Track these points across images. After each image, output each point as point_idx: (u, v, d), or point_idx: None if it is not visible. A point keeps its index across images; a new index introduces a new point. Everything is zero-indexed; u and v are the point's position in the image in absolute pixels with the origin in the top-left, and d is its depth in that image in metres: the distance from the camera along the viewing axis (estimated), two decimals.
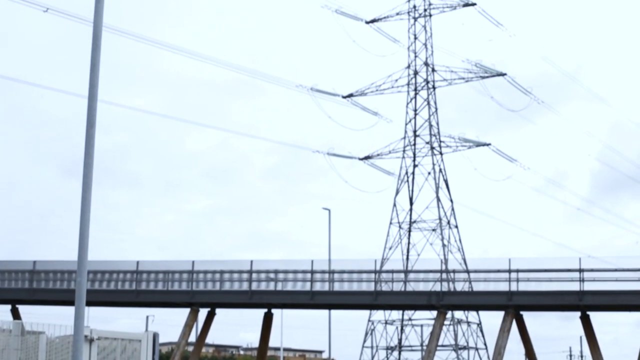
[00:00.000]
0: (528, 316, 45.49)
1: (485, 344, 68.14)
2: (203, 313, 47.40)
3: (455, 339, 68.13)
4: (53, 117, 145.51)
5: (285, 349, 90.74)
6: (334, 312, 58.59)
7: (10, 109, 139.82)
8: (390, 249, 71.38)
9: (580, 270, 41.75)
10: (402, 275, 47.20)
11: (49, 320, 37.95)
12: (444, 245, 69.69)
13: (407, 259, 69.44)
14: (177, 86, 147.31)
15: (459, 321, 68.46)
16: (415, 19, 74.82)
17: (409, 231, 72.07)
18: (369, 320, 70.32)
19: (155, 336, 38.80)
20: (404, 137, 73.80)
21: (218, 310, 47.72)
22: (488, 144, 73.54)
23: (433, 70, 73.73)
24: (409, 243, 71.79)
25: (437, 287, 44.52)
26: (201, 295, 46.63)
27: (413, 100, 73.77)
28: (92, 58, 14.78)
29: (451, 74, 73.42)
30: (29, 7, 49.83)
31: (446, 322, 61.35)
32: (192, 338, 54.01)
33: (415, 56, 74.03)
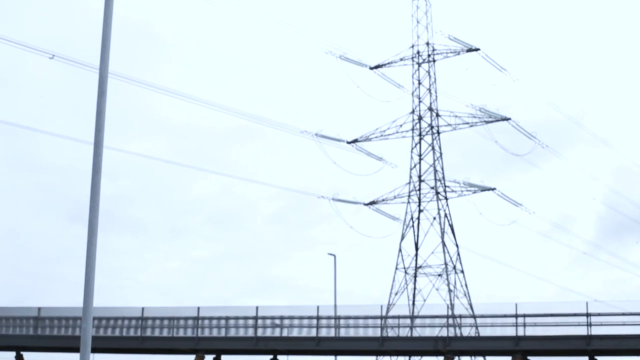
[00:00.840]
0: None
1: None
2: None
3: None
4: (58, 164, 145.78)
5: None
6: (340, 358, 58.23)
7: (16, 156, 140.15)
8: (396, 294, 71.11)
9: (588, 315, 41.55)
10: (408, 321, 46.97)
11: None
12: (450, 291, 69.38)
13: (413, 304, 69.13)
14: (181, 132, 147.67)
15: None
16: (419, 64, 75.16)
17: (415, 276, 71.81)
18: None
19: None
20: (409, 182, 73.82)
21: (223, 357, 47.49)
22: (493, 189, 73.51)
23: (437, 115, 73.92)
24: (414, 288, 71.51)
25: (443, 333, 44.30)
26: (206, 342, 46.45)
27: (418, 146, 73.89)
28: (97, 104, 14.86)
29: (455, 119, 73.61)
30: (35, 54, 50.20)
31: None
32: None
33: (420, 101, 74.29)
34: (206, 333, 46.83)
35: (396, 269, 72.54)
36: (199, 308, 46.84)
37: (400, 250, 72.88)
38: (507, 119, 73.31)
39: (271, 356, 47.22)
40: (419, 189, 73.33)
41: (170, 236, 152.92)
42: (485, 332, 44.91)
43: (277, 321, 45.87)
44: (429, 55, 75.10)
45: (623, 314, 41.67)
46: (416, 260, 72.25)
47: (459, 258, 71.59)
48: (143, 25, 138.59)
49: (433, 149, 73.49)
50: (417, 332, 45.92)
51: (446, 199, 72.82)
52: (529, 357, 43.67)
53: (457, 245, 71.93)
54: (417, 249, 72.59)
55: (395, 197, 74.73)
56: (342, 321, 45.20)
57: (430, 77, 74.92)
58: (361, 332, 45.44)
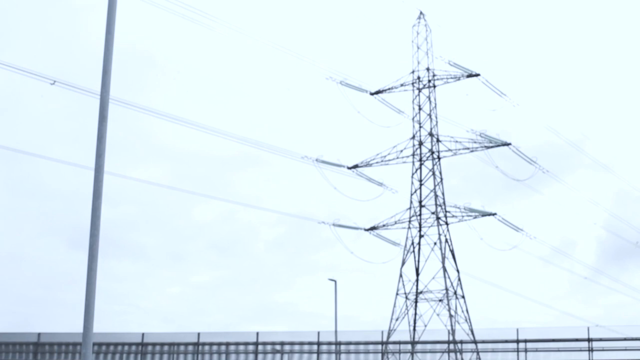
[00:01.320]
0: None
1: None
2: None
3: None
4: (59, 189, 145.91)
5: None
6: None
7: (16, 181, 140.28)
8: (396, 319, 70.88)
9: (589, 340, 41.52)
10: (409, 347, 46.89)
11: None
12: (450, 316, 69.17)
13: (414, 329, 68.92)
14: (183, 158, 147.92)
15: None
16: (419, 90, 75.36)
17: (416, 302, 71.63)
18: None
19: None
20: (410, 208, 73.79)
21: None
22: (494, 214, 73.47)
23: (438, 140, 74.02)
24: (415, 314, 71.29)
25: (444, 358, 44.18)
26: None
27: (418, 171, 73.94)
28: (98, 130, 14.91)
29: (456, 144, 73.69)
30: (36, 80, 50.29)
31: None
32: None
33: (420, 127, 74.41)
34: (206, 359, 46.73)
35: (397, 294, 72.39)
36: (199, 334, 46.79)
37: (401, 275, 72.75)
38: (507, 144, 73.40)
39: None
40: (420, 214, 73.30)
41: (171, 262, 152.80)
42: (486, 357, 44.84)
43: (278, 347, 45.78)
44: (429, 81, 75.30)
45: (625, 339, 41.62)
46: (417, 285, 72.12)
47: (460, 283, 71.47)
48: (143, 51, 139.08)
49: (434, 174, 73.53)
50: (418, 358, 45.83)
51: (447, 224, 72.78)
52: None
53: (458, 271, 71.82)
54: (417, 274, 72.47)
55: (395, 223, 74.69)
56: (342, 347, 45.14)
57: (430, 102, 75.08)
58: (362, 358, 45.38)
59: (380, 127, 75.74)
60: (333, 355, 45.28)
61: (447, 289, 70.62)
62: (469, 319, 69.82)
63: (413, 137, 74.70)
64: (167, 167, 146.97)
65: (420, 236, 73.05)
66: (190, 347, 46.49)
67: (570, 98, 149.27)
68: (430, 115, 74.69)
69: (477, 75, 74.25)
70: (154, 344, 47.48)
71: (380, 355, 44.80)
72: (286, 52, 76.56)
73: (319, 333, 45.38)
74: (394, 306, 72.13)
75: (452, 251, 72.30)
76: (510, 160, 74.81)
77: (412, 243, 73.20)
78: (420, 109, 75.07)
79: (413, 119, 75.16)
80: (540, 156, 77.97)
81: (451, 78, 74.97)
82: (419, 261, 72.79)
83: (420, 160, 74.08)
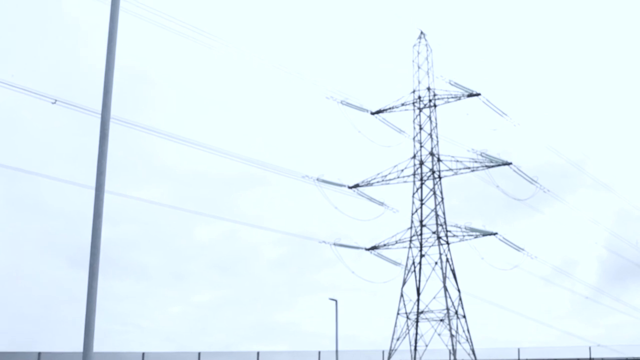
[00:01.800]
0: None
1: None
2: None
3: None
4: (60, 208, 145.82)
5: None
6: None
7: (17, 200, 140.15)
8: (397, 339, 70.76)
9: None
10: None
11: None
12: (452, 336, 69.05)
13: (415, 349, 68.79)
14: (184, 177, 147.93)
15: None
16: (420, 109, 75.46)
17: (417, 321, 71.50)
18: None
19: None
20: (411, 227, 73.77)
21: None
22: (495, 233, 73.43)
23: (439, 160, 74.08)
24: (416, 334, 71.17)
25: None
26: None
27: (419, 190, 73.95)
28: (99, 149, 14.93)
29: (457, 164, 73.74)
30: (38, 99, 50.39)
31: None
32: None
33: (421, 146, 74.47)
34: None
35: (398, 314, 72.28)
36: (199, 353, 46.71)
37: (401, 295, 72.66)
38: (508, 164, 73.45)
39: None
40: (421, 234, 73.26)
41: (172, 281, 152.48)
42: None
43: None
44: (430, 100, 75.43)
45: (626, 359, 41.52)
46: (418, 305, 72.00)
47: (461, 303, 71.36)
48: (144, 71, 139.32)
49: (434, 193, 73.55)
50: None
51: (448, 243, 72.74)
52: None
53: (459, 290, 71.74)
54: (418, 294, 72.36)
55: (396, 242, 74.68)
56: None
57: (431, 122, 75.19)
58: None
59: (381, 146, 75.79)
60: None
61: (448, 309, 70.48)
62: (470, 339, 69.73)
63: (414, 157, 74.78)
64: (168, 186, 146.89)
65: (421, 256, 72.99)
66: None
67: (571, 118, 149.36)
68: (431, 134, 74.76)
69: (477, 94, 74.36)
70: None
71: None
72: (287, 72, 76.70)
73: (319, 353, 45.30)
74: (395, 326, 72.07)
75: (453, 271, 72.23)
76: (511, 179, 74.82)
77: (413, 262, 73.14)
78: (421, 128, 75.15)
79: (414, 138, 75.28)
80: (541, 176, 78.03)
81: (452, 97, 75.09)
82: (419, 281, 72.72)
83: (421, 179, 74.10)
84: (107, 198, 15.38)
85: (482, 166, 73.36)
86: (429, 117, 75.26)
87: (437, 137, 74.81)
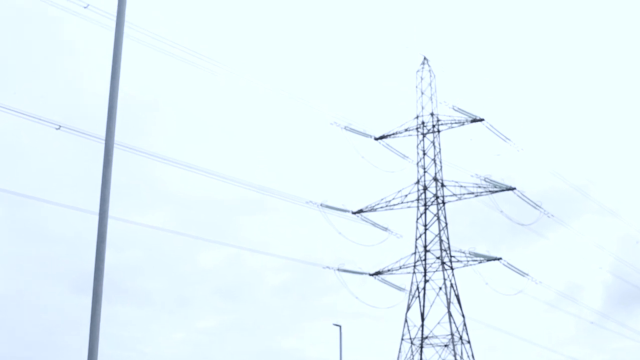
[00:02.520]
0: None
1: None
2: None
3: None
4: (63, 234, 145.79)
5: None
6: None
7: (20, 226, 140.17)
8: None
9: None
10: None
11: None
12: None
13: None
14: (188, 203, 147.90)
15: None
16: (424, 135, 75.53)
17: (421, 347, 71.28)
18: None
19: None
20: (415, 252, 73.68)
21: None
22: (499, 259, 73.30)
23: (442, 185, 74.07)
24: (421, 359, 70.93)
25: None
26: None
27: (423, 216, 73.91)
28: (103, 175, 14.94)
29: (460, 189, 73.74)
30: (41, 124, 50.52)
31: None
32: None
33: (425, 171, 74.50)
34: None
35: (402, 339, 72.08)
36: None
37: (406, 320, 72.49)
38: (512, 189, 73.43)
39: None
40: (425, 259, 73.17)
41: (176, 307, 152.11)
42: None
43: None
44: (433, 126, 75.51)
45: None
46: (422, 330, 71.81)
47: (465, 328, 71.17)
48: (148, 98, 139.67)
49: (438, 219, 73.50)
50: None
51: (452, 269, 72.62)
52: None
53: (463, 316, 71.56)
54: (423, 319, 72.18)
55: (400, 268, 74.58)
56: None
57: (435, 147, 75.26)
58: None
59: (384, 172, 75.83)
60: None
61: (452, 334, 70.28)
62: None
63: (417, 182, 74.79)
64: (172, 212, 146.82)
65: (426, 281, 72.85)
66: None
67: (575, 143, 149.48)
68: (434, 160, 74.80)
69: (481, 120, 74.45)
70: None
71: None
72: (291, 98, 76.90)
73: None
74: (399, 351, 71.86)
75: (457, 296, 72.06)
76: (515, 205, 74.75)
77: (417, 288, 73.00)
78: (424, 153, 75.20)
79: (417, 163, 75.33)
80: (545, 201, 77.98)
81: (455, 123, 75.18)
82: (424, 306, 72.57)
83: (425, 205, 74.06)
84: (111, 223, 15.38)
85: (486, 191, 73.34)
86: (433, 142, 75.33)
87: (440, 162, 74.87)
